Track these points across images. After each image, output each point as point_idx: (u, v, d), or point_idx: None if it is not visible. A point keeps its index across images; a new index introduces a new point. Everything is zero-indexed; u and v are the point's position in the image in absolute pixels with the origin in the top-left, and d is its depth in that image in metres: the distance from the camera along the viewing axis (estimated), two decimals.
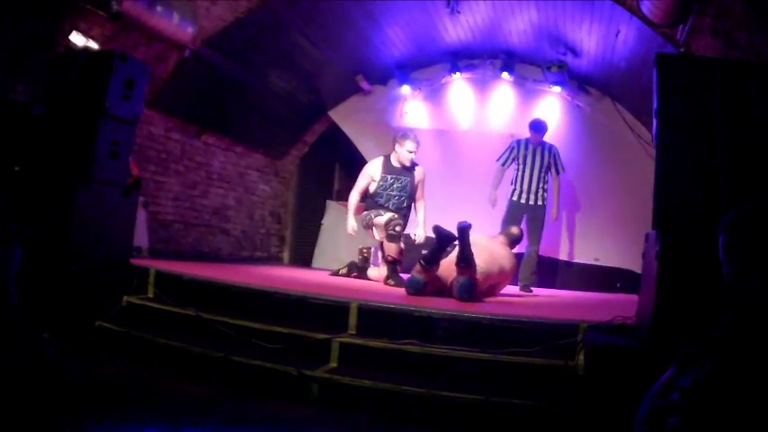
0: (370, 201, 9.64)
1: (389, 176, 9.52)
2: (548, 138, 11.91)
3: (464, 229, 7.70)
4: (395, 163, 9.56)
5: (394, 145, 9.59)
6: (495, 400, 5.12)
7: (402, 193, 9.56)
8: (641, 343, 5.03)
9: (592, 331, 5.51)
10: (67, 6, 7.81)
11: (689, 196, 5.17)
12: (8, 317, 2.79)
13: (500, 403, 5.11)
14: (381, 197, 9.51)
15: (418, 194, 9.85)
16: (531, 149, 10.64)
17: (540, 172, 10.50)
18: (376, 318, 6.20)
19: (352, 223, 9.64)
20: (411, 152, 9.45)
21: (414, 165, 9.64)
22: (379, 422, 5.20)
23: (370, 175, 9.59)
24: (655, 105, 5.40)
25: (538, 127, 10.72)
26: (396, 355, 5.74)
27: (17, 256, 2.92)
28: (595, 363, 5.07)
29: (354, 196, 9.72)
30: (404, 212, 9.66)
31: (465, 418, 5.10)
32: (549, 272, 12.07)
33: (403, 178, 9.57)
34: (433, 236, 8.00)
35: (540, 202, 10.47)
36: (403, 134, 9.69)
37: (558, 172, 10.63)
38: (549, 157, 10.59)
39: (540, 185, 10.49)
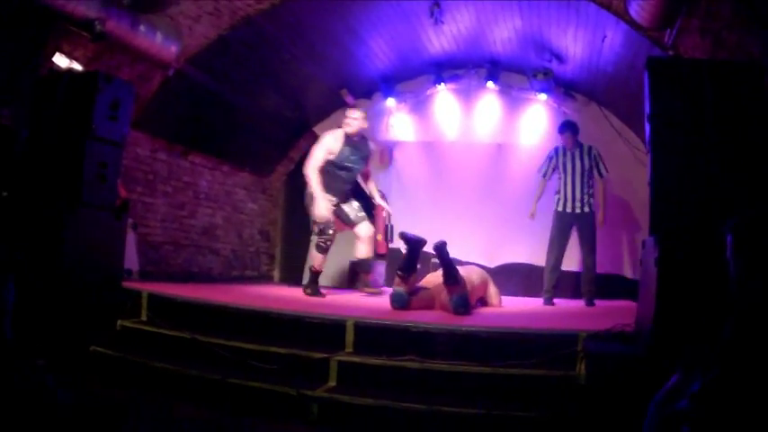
0: (326, 176, 9.39)
1: (347, 148, 9.43)
2: (537, 145, 11.90)
3: (440, 248, 7.71)
4: (350, 134, 9.49)
5: (344, 119, 9.60)
6: (497, 413, 5.07)
7: (357, 166, 9.57)
8: (643, 350, 4.99)
9: (591, 340, 5.48)
10: (50, 28, 7.75)
11: (685, 199, 5.15)
12: (2, 352, 2.73)
13: (502, 416, 5.07)
14: (338, 168, 9.41)
15: (369, 167, 9.96)
16: (569, 155, 10.28)
17: (582, 177, 10.08)
18: (373, 334, 6.16)
19: (325, 202, 9.22)
20: (360, 118, 9.52)
21: (363, 132, 9.70)
22: None
23: (328, 147, 9.42)
24: (647, 109, 5.38)
25: (563, 128, 10.46)
26: (395, 371, 5.68)
27: (10, 287, 2.86)
28: (596, 372, 5.05)
29: (315, 173, 9.30)
30: (353, 185, 9.77)
31: None
32: (542, 281, 11.99)
33: (360, 150, 9.58)
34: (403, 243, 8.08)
35: (586, 209, 10.03)
36: (351, 107, 9.96)
37: (600, 174, 10.16)
38: (590, 159, 10.15)
39: (585, 191, 10.06)
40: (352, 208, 9.58)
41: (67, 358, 6.18)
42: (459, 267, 8.07)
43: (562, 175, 10.24)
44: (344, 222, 9.57)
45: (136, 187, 10.07)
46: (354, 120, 9.42)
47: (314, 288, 9.28)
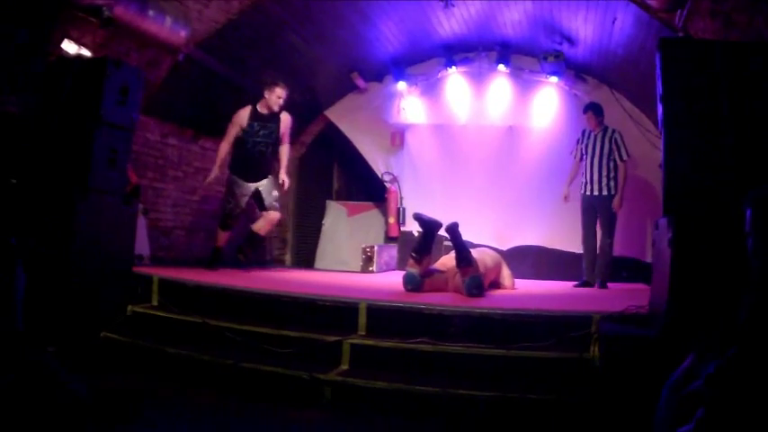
0: (236, 150, 9.80)
1: (256, 124, 9.66)
2: (548, 128, 11.85)
3: (452, 229, 7.68)
4: (262, 110, 9.73)
5: (263, 92, 9.75)
6: (511, 395, 5.06)
7: (267, 140, 9.75)
8: (657, 332, 4.96)
9: (605, 322, 5.47)
10: (58, 14, 7.72)
11: (699, 180, 5.11)
12: (13, 342, 2.71)
13: (516, 399, 5.06)
14: (248, 143, 9.65)
15: (283, 140, 10.01)
16: (592, 137, 10.33)
17: (602, 160, 10.10)
18: (386, 317, 6.16)
19: (215, 174, 9.80)
20: (280, 98, 9.68)
21: (280, 110, 9.83)
22: (394, 423, 5.12)
23: (239, 123, 9.69)
24: (659, 90, 5.34)
25: (585, 108, 10.54)
26: (408, 354, 5.68)
27: (20, 275, 2.83)
28: (610, 354, 5.02)
29: (224, 147, 9.79)
30: (267, 159, 9.90)
31: (481, 415, 5.03)
32: (555, 264, 11.97)
33: (270, 125, 9.75)
34: (418, 227, 8.09)
35: (605, 192, 10.02)
36: (273, 81, 9.82)
37: (620, 158, 10.10)
38: (611, 143, 10.15)
39: (605, 174, 10.04)
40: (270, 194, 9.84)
41: (79, 345, 6.19)
42: (472, 250, 8.05)
43: (586, 158, 10.29)
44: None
45: (146, 173, 10.06)
46: (279, 99, 9.74)
47: (214, 265, 9.64)
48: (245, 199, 9.77)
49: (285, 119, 9.91)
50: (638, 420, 3.95)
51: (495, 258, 8.79)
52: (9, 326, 2.74)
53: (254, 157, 9.68)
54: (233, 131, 9.67)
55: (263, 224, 9.87)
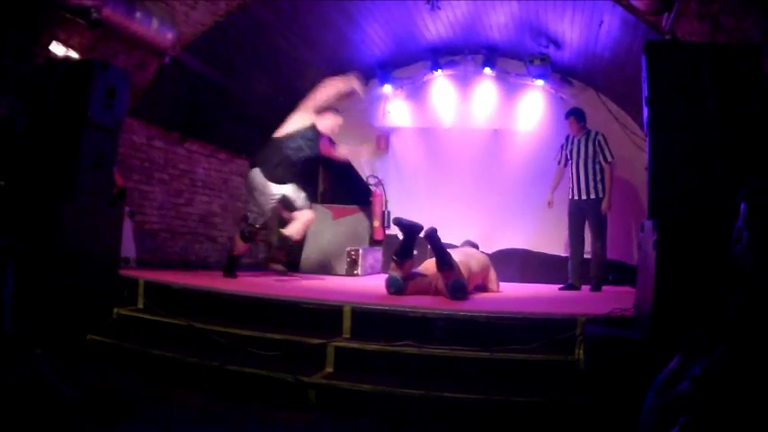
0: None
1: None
2: (533, 131, 11.92)
3: (431, 235, 7.69)
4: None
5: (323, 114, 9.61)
6: (496, 398, 5.06)
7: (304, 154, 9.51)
8: (642, 334, 4.98)
9: (591, 324, 5.47)
10: (46, 16, 7.72)
11: (684, 183, 5.13)
12: (3, 344, 2.71)
13: (501, 401, 5.05)
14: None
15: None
16: (575, 142, 10.42)
17: (587, 163, 10.16)
18: (370, 320, 6.15)
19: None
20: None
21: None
22: (379, 426, 5.13)
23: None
24: (645, 93, 5.36)
25: (567, 114, 10.61)
26: (393, 357, 5.67)
27: (8, 279, 2.83)
28: (596, 356, 5.02)
29: None
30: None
31: (466, 418, 5.04)
32: (540, 267, 12.01)
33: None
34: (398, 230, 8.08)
35: (593, 196, 10.09)
36: (336, 109, 9.79)
37: (605, 160, 10.17)
38: (594, 145, 10.23)
39: (591, 177, 10.12)
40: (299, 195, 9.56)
41: (65, 347, 6.19)
42: (459, 251, 8.11)
43: (571, 163, 10.36)
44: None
45: (132, 175, 10.05)
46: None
47: (232, 273, 9.35)
48: (271, 205, 9.44)
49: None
50: (624, 422, 3.96)
51: (481, 262, 8.79)
52: None
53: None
54: None
55: (298, 227, 9.51)
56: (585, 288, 10.05)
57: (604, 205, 10.08)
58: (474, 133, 13.06)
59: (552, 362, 5.38)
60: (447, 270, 7.56)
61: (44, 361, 2.89)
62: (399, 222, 7.95)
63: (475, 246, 9.65)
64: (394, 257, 7.94)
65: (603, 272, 10.21)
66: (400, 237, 8.26)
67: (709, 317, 2.79)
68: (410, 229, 7.92)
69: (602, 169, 10.17)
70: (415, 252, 8.11)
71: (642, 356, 4.50)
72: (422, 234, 7.82)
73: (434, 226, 7.77)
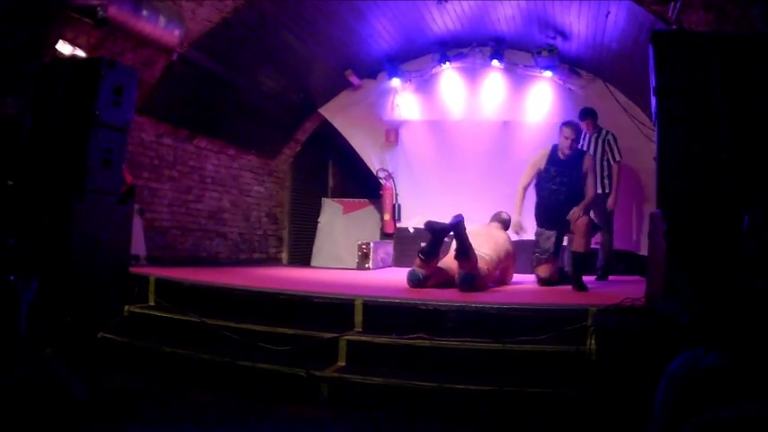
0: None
1: (552, 168, 8.98)
2: (542, 122, 11.92)
3: (458, 224, 7.68)
4: (560, 153, 8.98)
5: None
6: (509, 389, 5.06)
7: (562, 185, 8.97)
8: (652, 324, 4.97)
9: (601, 315, 5.46)
10: (53, 15, 7.72)
11: (692, 172, 5.12)
12: (16, 343, 2.73)
13: (514, 392, 5.05)
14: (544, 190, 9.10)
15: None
16: (586, 139, 10.47)
17: (596, 160, 10.06)
18: (382, 313, 6.16)
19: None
20: (567, 138, 8.81)
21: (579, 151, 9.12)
22: (394, 419, 5.13)
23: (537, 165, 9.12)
24: (653, 83, 5.36)
25: (583, 117, 10.58)
26: (404, 350, 5.68)
27: (33, 286, 2.85)
28: (607, 346, 5.02)
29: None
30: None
31: (479, 409, 5.04)
32: None
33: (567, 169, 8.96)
34: (428, 232, 7.99)
35: (600, 191, 9.97)
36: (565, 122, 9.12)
37: (613, 159, 10.28)
38: (604, 144, 10.34)
39: (599, 173, 10.10)
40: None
41: (76, 345, 6.20)
42: (488, 238, 8.39)
43: None
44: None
45: (142, 173, 10.05)
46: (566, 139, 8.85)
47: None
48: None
49: (587, 159, 9.00)
50: (635, 411, 3.96)
51: (506, 250, 8.78)
52: (13, 329, 2.76)
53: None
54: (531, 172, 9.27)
55: (579, 239, 8.61)
56: (590, 278, 10.03)
57: (610, 201, 10.19)
58: (483, 125, 13.07)
59: (564, 352, 5.38)
60: (463, 260, 7.61)
61: (53, 360, 2.91)
62: (431, 227, 7.88)
63: (506, 222, 9.52)
64: (420, 255, 7.95)
65: (610, 263, 10.28)
66: (411, 230, 8.26)
67: (720, 305, 2.79)
68: (440, 232, 7.88)
69: (609, 167, 10.28)
70: (440, 255, 8.12)
71: (653, 346, 4.49)
72: (450, 221, 7.77)
73: (461, 214, 7.79)
